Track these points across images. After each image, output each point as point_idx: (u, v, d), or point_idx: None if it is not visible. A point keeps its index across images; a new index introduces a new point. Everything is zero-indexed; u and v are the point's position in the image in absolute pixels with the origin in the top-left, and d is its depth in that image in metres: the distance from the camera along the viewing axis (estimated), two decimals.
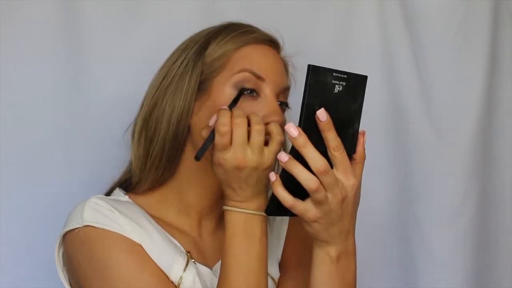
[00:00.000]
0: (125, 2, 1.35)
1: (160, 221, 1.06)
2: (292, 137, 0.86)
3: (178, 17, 1.36)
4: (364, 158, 0.91)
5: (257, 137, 0.93)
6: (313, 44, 1.43)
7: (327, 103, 0.85)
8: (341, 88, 0.85)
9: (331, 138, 0.86)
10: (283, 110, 1.06)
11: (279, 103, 1.04)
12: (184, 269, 1.01)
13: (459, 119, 1.49)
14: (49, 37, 1.31)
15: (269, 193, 0.94)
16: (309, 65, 0.84)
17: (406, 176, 1.50)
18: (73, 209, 1.02)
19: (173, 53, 1.08)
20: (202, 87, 1.04)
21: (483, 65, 1.49)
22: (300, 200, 0.89)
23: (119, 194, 1.09)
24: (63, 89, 1.33)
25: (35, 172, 1.32)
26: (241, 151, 0.92)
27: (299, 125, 0.86)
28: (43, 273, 1.23)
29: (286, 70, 1.10)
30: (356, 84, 0.86)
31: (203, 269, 1.04)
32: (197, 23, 1.11)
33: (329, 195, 0.87)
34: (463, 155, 1.50)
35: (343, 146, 0.87)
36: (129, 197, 1.08)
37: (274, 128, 0.96)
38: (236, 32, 1.05)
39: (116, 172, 1.14)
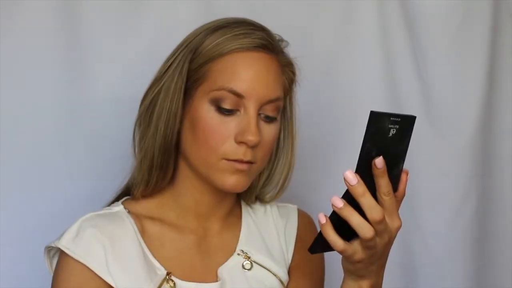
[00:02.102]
0: (125, 2, 1.35)
1: (160, 222, 1.06)
2: (351, 185, 0.83)
3: (178, 17, 1.36)
4: (404, 196, 0.89)
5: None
6: (313, 45, 1.43)
7: (382, 147, 0.84)
8: (394, 131, 0.83)
9: (384, 183, 0.84)
10: (269, 122, 1.03)
11: (263, 116, 1.01)
12: None
13: (459, 119, 1.49)
14: (49, 37, 1.31)
15: None
16: (371, 112, 0.82)
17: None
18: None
19: (174, 48, 1.07)
20: (188, 93, 1.02)
21: (483, 65, 1.49)
22: (349, 243, 0.87)
23: (117, 204, 1.09)
24: (63, 89, 1.33)
25: (34, 172, 1.31)
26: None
27: (356, 171, 0.84)
28: (43, 273, 1.23)
29: (283, 74, 1.06)
30: (406, 125, 0.84)
31: (186, 285, 1.03)
32: (197, 23, 1.10)
33: (377, 239, 0.86)
34: (463, 155, 1.50)
35: (393, 191, 0.85)
36: (126, 206, 1.07)
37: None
38: (225, 37, 1.01)
39: (115, 172, 1.14)
